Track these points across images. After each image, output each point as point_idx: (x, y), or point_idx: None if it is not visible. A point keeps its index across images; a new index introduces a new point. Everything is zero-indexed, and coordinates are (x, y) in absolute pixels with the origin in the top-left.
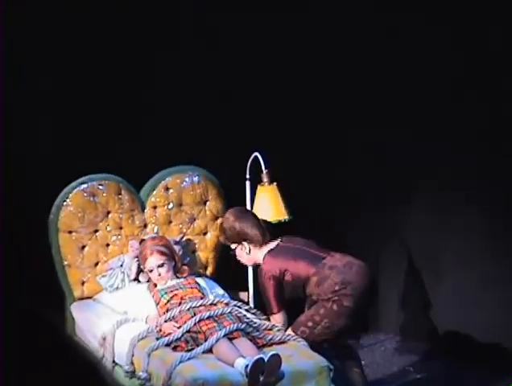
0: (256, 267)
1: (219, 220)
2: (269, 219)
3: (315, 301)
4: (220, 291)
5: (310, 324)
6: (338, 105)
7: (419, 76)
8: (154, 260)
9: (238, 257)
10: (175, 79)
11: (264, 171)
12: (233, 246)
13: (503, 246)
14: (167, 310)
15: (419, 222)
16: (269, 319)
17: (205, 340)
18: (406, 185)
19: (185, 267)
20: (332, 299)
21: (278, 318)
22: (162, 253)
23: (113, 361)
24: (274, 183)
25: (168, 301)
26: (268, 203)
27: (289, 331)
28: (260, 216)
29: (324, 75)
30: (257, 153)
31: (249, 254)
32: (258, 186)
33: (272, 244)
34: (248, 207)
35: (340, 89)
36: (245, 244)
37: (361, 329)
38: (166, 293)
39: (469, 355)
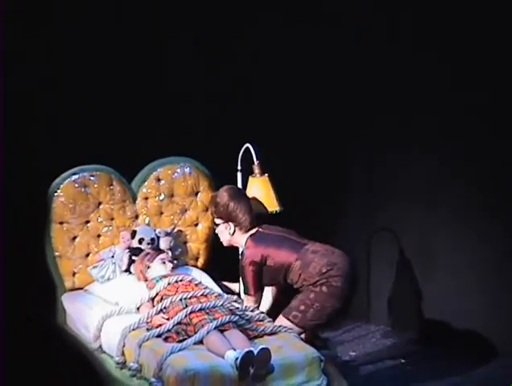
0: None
1: (213, 194)
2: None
3: (298, 291)
4: (211, 282)
5: (302, 308)
6: (330, 96)
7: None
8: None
9: (218, 233)
10: (167, 70)
11: (255, 162)
12: (217, 221)
13: (496, 234)
14: (161, 299)
15: (410, 213)
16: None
17: (195, 332)
18: (394, 174)
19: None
20: (319, 282)
21: (251, 300)
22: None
23: (104, 351)
24: (266, 175)
25: (162, 289)
26: (259, 195)
27: (280, 318)
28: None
29: (313, 65)
30: (248, 145)
31: (231, 235)
32: (250, 178)
33: (252, 230)
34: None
35: (330, 80)
36: (231, 224)
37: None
38: (160, 278)
39: (459, 346)
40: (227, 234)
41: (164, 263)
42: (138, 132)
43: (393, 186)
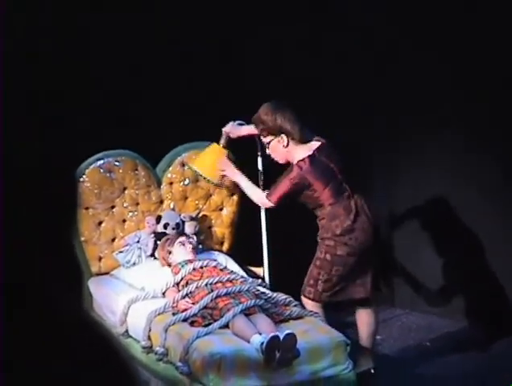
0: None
1: (255, 116)
2: (202, 174)
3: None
4: (236, 267)
5: (311, 282)
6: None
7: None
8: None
9: (272, 152)
10: (192, 55)
11: (224, 134)
12: (268, 139)
13: None
14: (186, 284)
15: (439, 196)
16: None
17: (221, 317)
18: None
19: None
20: (326, 243)
21: (264, 201)
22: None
23: (130, 336)
24: (226, 150)
25: (187, 274)
26: (211, 161)
27: (302, 298)
28: (198, 167)
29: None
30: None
31: (286, 147)
32: (214, 144)
33: (311, 146)
34: (261, 183)
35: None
36: (283, 136)
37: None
38: (186, 263)
39: (490, 327)
40: (281, 148)
41: (184, 245)
42: (162, 117)
43: (421, 165)
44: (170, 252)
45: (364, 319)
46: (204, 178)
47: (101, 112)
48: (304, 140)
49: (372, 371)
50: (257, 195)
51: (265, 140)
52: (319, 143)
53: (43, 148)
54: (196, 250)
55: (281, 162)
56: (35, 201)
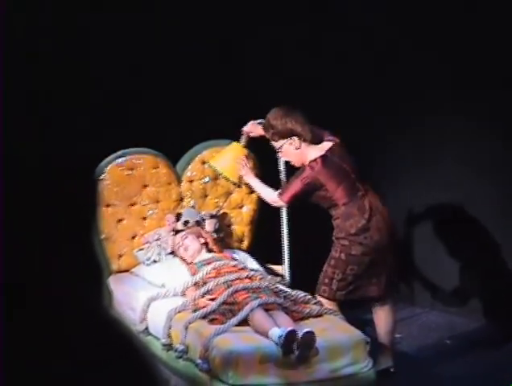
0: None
1: (265, 122)
2: (223, 173)
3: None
4: (256, 265)
5: (326, 281)
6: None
7: None
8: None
9: (284, 156)
10: (214, 55)
11: (244, 134)
12: (279, 143)
13: None
14: (204, 283)
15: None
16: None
17: (241, 311)
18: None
19: (217, 244)
20: (341, 242)
21: (275, 199)
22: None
23: (150, 333)
24: (246, 149)
25: (205, 274)
26: (231, 160)
27: (318, 297)
28: (219, 166)
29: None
30: None
31: (298, 149)
32: (234, 143)
33: (324, 146)
34: (283, 179)
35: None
36: (295, 138)
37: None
38: (202, 265)
39: (508, 326)
40: (293, 150)
41: (192, 238)
42: (183, 115)
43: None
44: (185, 249)
45: (381, 317)
46: (225, 178)
47: (120, 111)
48: (315, 140)
49: (392, 369)
50: (269, 194)
51: (276, 144)
52: (331, 143)
53: (60, 146)
54: (217, 244)
55: (296, 164)
56: (55, 199)
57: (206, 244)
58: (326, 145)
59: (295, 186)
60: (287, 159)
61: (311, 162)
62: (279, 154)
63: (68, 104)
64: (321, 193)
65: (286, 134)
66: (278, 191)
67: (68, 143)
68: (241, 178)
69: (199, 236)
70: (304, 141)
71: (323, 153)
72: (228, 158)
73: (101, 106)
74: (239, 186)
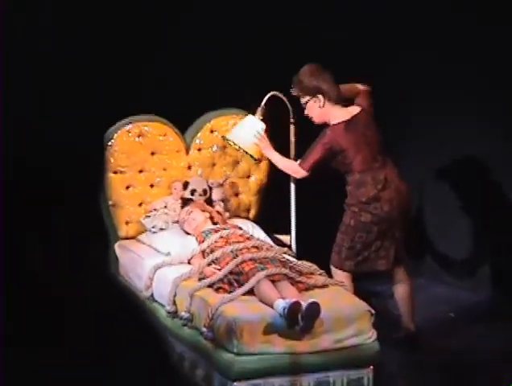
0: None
1: (295, 77)
2: (241, 148)
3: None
4: (263, 235)
5: (336, 249)
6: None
7: None
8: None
9: (308, 111)
10: (218, 22)
11: (262, 106)
12: (305, 99)
13: None
14: (211, 251)
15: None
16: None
17: (247, 281)
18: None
19: (222, 217)
20: (351, 209)
21: (296, 170)
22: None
23: (155, 300)
24: (263, 123)
25: (213, 243)
26: (249, 134)
27: (331, 267)
28: (237, 140)
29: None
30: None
31: (322, 107)
32: (250, 116)
33: (351, 111)
34: (292, 151)
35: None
36: (320, 97)
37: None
38: (210, 232)
39: None
40: (317, 108)
41: (197, 213)
42: (191, 83)
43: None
44: (193, 219)
45: (400, 292)
46: (246, 153)
47: (130, 79)
48: (341, 101)
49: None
50: (290, 166)
51: (302, 100)
52: (359, 109)
53: (69, 113)
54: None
55: (317, 121)
56: (65, 165)
57: (211, 217)
58: (353, 109)
59: (317, 152)
60: (310, 115)
61: (333, 125)
62: (305, 110)
63: (77, 77)
64: (340, 158)
65: (312, 91)
66: (299, 161)
67: (76, 113)
68: (260, 152)
69: (203, 210)
70: (330, 100)
71: (347, 118)
72: (246, 132)
73: (110, 74)
74: (259, 162)
